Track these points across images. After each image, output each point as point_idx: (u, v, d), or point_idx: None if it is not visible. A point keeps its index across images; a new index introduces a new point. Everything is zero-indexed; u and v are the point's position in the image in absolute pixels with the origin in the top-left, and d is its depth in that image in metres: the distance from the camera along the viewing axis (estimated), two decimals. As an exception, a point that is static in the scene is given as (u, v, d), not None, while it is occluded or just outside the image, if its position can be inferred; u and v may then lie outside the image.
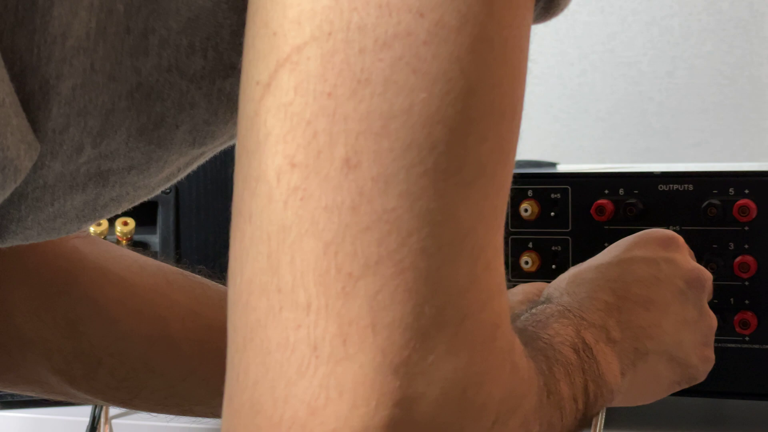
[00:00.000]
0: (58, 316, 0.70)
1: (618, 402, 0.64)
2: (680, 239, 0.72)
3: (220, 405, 0.77)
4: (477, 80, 0.42)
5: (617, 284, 0.67)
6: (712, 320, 0.72)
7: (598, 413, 0.60)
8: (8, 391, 0.75)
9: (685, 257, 0.71)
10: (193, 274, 0.77)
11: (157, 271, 0.75)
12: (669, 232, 0.72)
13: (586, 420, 0.59)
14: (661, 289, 0.68)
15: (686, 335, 0.69)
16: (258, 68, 0.43)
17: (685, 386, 0.71)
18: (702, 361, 0.71)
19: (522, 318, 0.62)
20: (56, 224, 0.52)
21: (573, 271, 0.70)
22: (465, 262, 0.42)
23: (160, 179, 0.53)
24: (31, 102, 0.46)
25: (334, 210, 0.40)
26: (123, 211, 0.55)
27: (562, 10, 0.50)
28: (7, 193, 0.46)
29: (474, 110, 0.42)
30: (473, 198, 0.42)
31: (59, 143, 0.47)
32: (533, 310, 0.63)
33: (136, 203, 0.55)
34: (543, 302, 0.66)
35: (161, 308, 0.73)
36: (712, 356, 0.72)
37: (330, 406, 0.40)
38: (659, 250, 0.70)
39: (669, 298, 0.68)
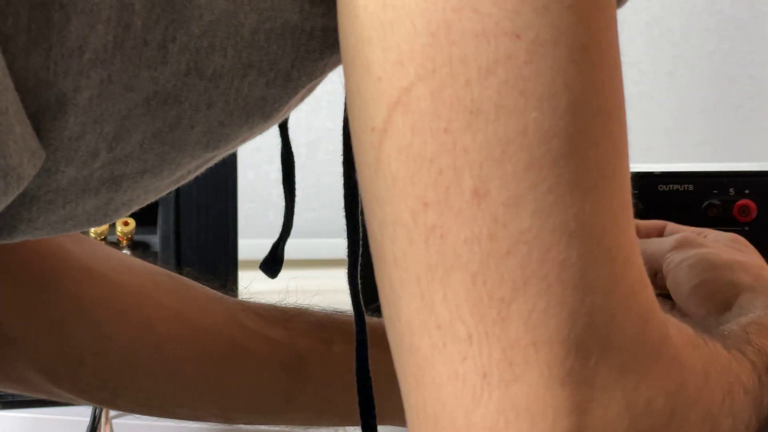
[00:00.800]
0: (42, 315, 0.70)
1: None
2: None
3: (202, 408, 0.77)
4: (581, 89, 0.43)
5: None
6: None
7: None
8: None
9: None
10: (180, 276, 0.76)
11: (143, 272, 0.75)
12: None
13: None
14: None
15: None
16: (370, 114, 0.43)
17: None
18: None
19: (741, 321, 0.62)
20: (66, 226, 0.52)
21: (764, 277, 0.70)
22: (605, 263, 0.43)
23: (170, 182, 0.54)
24: (47, 113, 0.46)
25: (473, 241, 0.42)
26: (131, 213, 0.55)
27: None
28: (10, 199, 0.46)
29: (584, 119, 0.43)
30: (600, 201, 0.44)
31: (75, 150, 0.47)
32: (755, 315, 0.63)
33: (144, 206, 0.55)
34: (764, 303, 0.66)
35: (146, 309, 0.73)
36: None
37: (510, 428, 0.41)
38: None
39: None
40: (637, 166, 1.02)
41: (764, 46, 1.51)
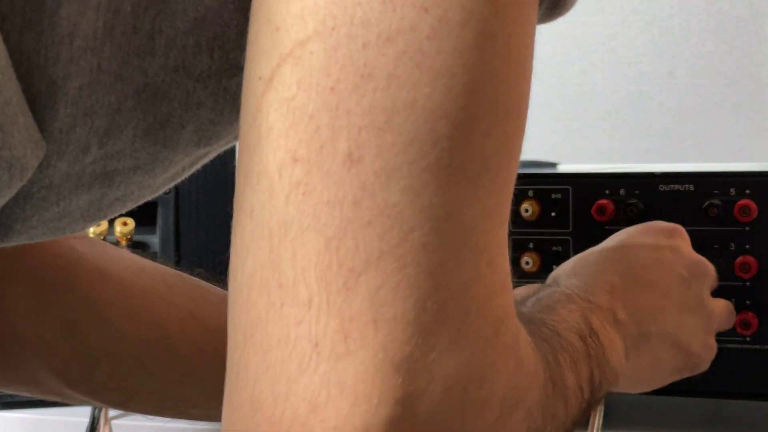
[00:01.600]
0: (56, 316, 0.70)
1: (621, 387, 0.64)
2: (683, 230, 0.73)
3: (216, 408, 0.77)
4: (480, 76, 0.42)
5: (622, 267, 0.68)
6: (714, 310, 0.72)
7: (597, 407, 0.60)
8: (5, 391, 0.75)
9: (687, 246, 0.72)
10: (192, 277, 0.77)
11: (155, 273, 0.75)
12: (672, 224, 0.74)
13: (591, 407, 0.59)
14: (663, 273, 0.69)
15: (688, 321, 0.69)
16: (261, 63, 0.42)
17: (687, 374, 0.72)
18: (704, 349, 0.71)
19: (529, 303, 0.62)
20: (61, 224, 0.52)
21: (578, 255, 0.71)
22: (468, 258, 0.42)
23: (165, 179, 0.53)
24: (38, 102, 0.45)
25: (336, 205, 0.40)
26: (127, 210, 0.55)
27: (567, 10, 0.50)
28: (14, 191, 0.46)
29: (477, 106, 0.42)
30: (477, 194, 0.42)
31: (66, 143, 0.47)
32: (540, 294, 0.63)
33: (140, 203, 0.55)
34: (550, 285, 0.65)
35: (159, 310, 0.73)
36: (714, 344, 0.72)
37: (331, 404, 0.40)
38: (662, 238, 0.71)
39: (671, 283, 0.69)
40: (637, 166, 1.02)
41: (764, 46, 1.51)
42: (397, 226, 0.40)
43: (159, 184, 0.54)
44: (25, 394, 0.75)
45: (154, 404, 0.75)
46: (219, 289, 0.76)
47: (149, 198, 0.55)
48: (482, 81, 0.42)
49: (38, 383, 0.72)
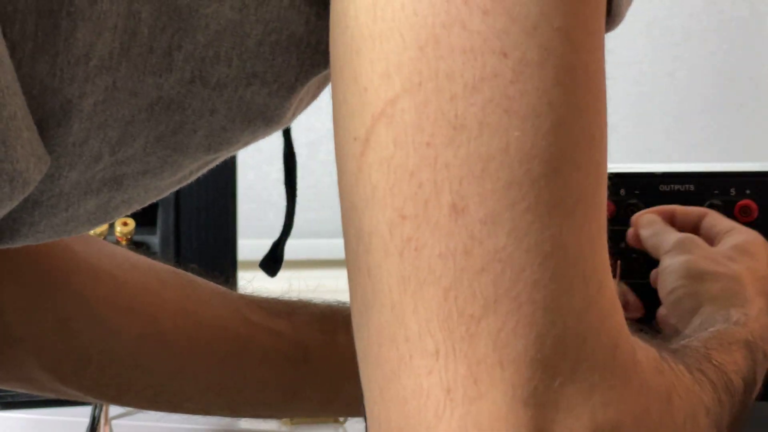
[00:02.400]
0: (49, 314, 0.71)
1: None
2: None
3: (209, 401, 0.77)
4: (565, 111, 0.43)
5: None
6: None
7: None
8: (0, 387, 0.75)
9: None
10: (185, 272, 0.77)
11: (148, 269, 0.75)
12: None
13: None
14: None
15: None
16: (354, 124, 0.44)
17: None
18: None
19: (702, 335, 0.62)
20: (68, 227, 0.52)
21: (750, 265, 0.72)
22: (579, 287, 0.43)
23: (171, 182, 0.54)
24: (51, 120, 0.46)
25: (448, 256, 0.42)
26: (131, 212, 0.55)
27: (617, 24, 0.51)
28: (15, 203, 0.46)
29: (566, 141, 0.43)
30: (577, 224, 0.43)
31: (78, 155, 0.48)
32: (716, 329, 0.64)
33: (145, 205, 0.55)
34: (725, 317, 0.67)
35: (152, 306, 0.73)
36: None
37: None
38: None
39: None
40: (637, 166, 1.02)
41: (764, 46, 1.51)
42: (508, 269, 0.42)
43: (165, 187, 0.54)
44: (20, 390, 0.75)
45: (149, 399, 0.75)
46: (212, 283, 0.76)
47: (154, 200, 0.55)
48: (567, 116, 0.43)
49: (32, 380, 0.72)
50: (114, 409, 0.88)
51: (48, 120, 0.46)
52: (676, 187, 0.84)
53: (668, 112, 1.50)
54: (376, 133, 0.43)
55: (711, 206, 0.82)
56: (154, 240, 1.04)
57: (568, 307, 0.43)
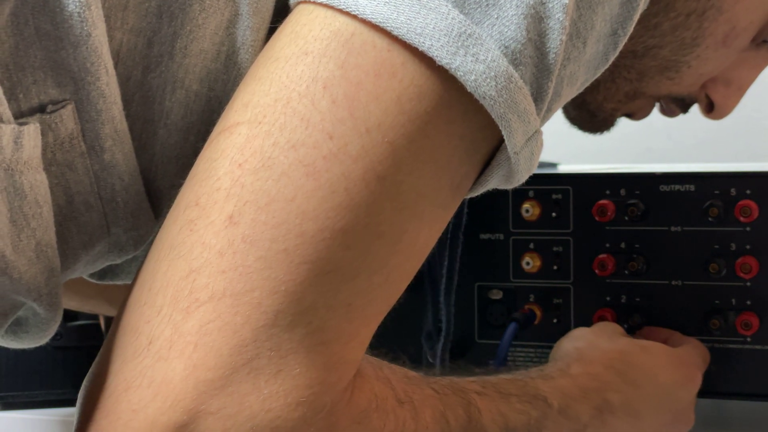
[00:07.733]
0: None
1: None
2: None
3: None
4: (357, 203, 0.52)
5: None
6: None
7: None
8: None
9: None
10: None
11: None
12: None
13: None
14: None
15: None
16: (219, 124, 0.55)
17: None
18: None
19: (498, 378, 0.68)
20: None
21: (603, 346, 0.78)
22: (294, 325, 0.51)
23: None
24: (156, 197, 0.61)
25: (206, 248, 0.51)
26: None
27: (518, 182, 0.59)
28: (130, 256, 0.64)
29: (347, 223, 0.51)
30: (318, 285, 0.51)
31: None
32: (517, 377, 0.69)
33: None
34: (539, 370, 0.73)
35: None
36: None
37: (138, 391, 0.50)
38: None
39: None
40: (637, 166, 1.02)
41: (765, 46, 1.50)
42: (243, 282, 0.50)
43: None
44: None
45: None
46: None
47: None
48: (357, 207, 0.52)
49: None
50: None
51: (153, 196, 0.61)
52: (676, 187, 0.84)
53: (668, 112, 1.50)
54: (218, 138, 0.54)
55: (711, 206, 0.82)
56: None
57: (274, 336, 0.50)
